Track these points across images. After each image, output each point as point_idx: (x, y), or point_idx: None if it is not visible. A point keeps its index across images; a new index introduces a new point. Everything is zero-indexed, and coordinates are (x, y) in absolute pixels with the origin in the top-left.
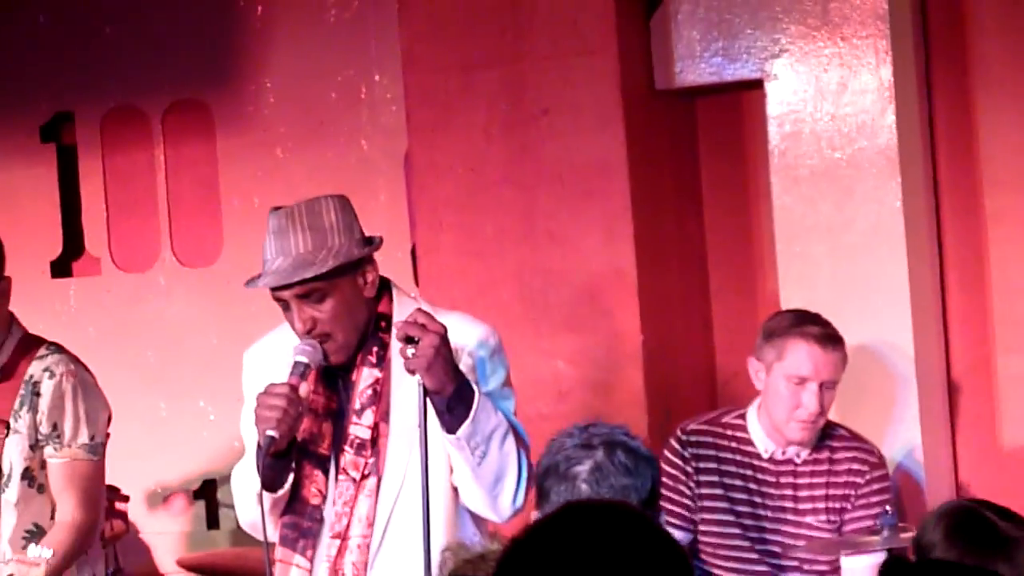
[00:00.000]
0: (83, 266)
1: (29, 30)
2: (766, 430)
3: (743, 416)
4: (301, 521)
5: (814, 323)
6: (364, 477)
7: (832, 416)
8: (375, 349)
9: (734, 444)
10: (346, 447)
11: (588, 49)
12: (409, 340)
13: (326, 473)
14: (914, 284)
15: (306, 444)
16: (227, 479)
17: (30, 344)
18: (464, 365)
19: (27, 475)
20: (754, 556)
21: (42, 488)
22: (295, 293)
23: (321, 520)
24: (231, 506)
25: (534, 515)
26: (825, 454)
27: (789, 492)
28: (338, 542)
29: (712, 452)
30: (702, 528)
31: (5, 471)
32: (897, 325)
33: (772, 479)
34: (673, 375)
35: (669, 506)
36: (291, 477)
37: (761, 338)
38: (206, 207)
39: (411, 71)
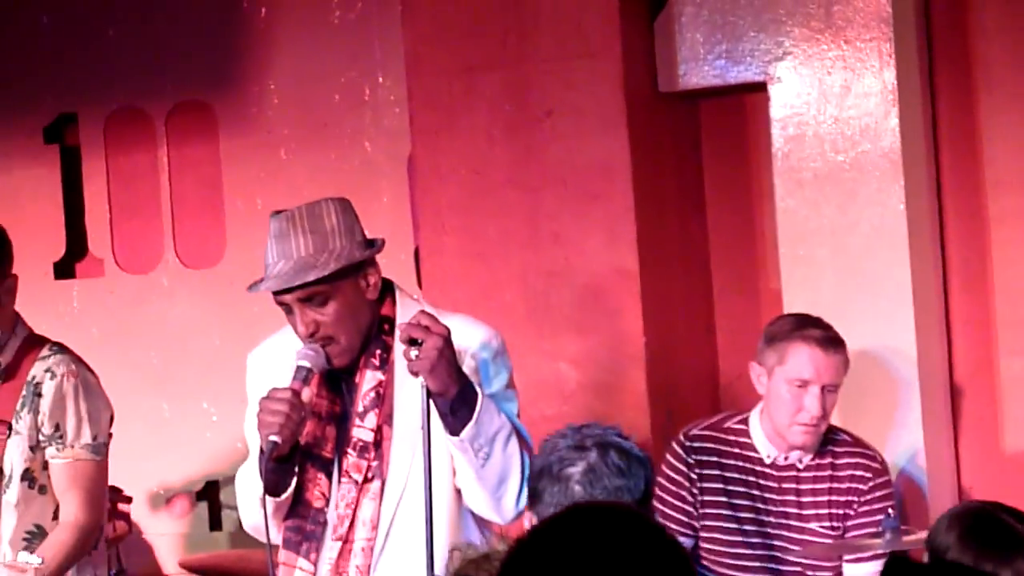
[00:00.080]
0: (86, 267)
1: (32, 31)
2: (768, 435)
3: (746, 421)
4: (304, 524)
5: (815, 326)
6: (367, 480)
7: (834, 419)
8: (378, 352)
9: (736, 449)
10: (349, 450)
11: (592, 51)
12: (413, 342)
13: (329, 476)
14: (917, 286)
15: (309, 447)
16: (230, 480)
17: (34, 344)
18: (467, 367)
19: (27, 476)
20: (756, 562)
21: (44, 489)
22: (297, 297)
23: (324, 523)
24: (234, 507)
25: (528, 515)
26: (828, 459)
27: (792, 497)
28: (341, 544)
29: (715, 458)
30: (704, 534)
31: (6, 472)
32: (900, 327)
33: (775, 484)
34: (676, 377)
35: (670, 511)
36: (294, 481)
37: (763, 342)
38: (209, 208)
39: (414, 73)
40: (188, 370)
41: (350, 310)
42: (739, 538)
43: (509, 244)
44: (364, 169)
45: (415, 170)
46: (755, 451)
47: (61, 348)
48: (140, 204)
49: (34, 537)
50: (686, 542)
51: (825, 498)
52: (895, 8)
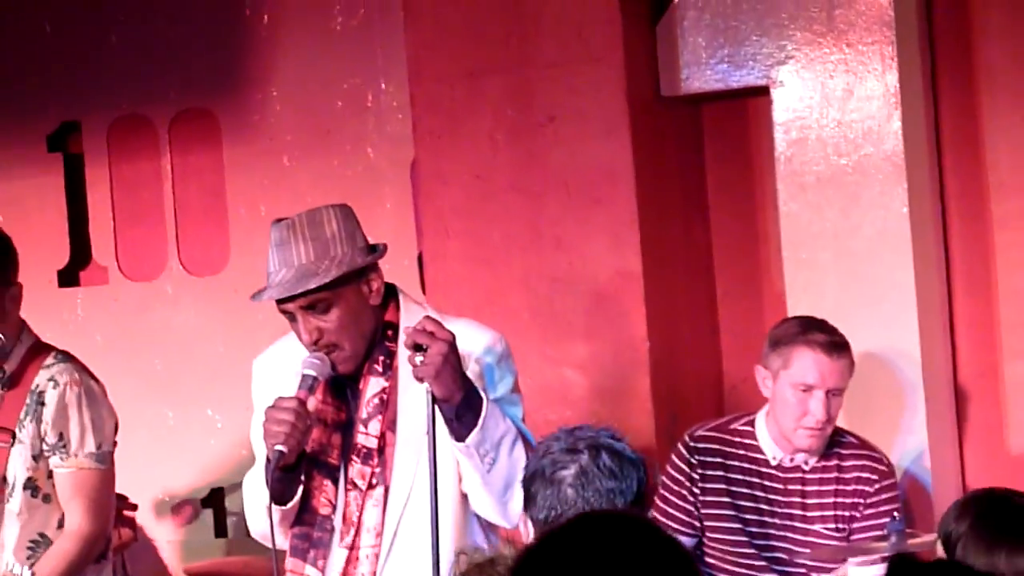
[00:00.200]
0: (90, 275)
1: (36, 39)
2: (774, 437)
3: (752, 423)
4: (311, 531)
5: (820, 330)
6: (371, 487)
7: (839, 422)
8: (381, 358)
9: (742, 451)
10: (354, 457)
11: (594, 56)
12: (417, 348)
13: (336, 483)
14: (920, 290)
15: (316, 454)
16: (235, 487)
17: (39, 352)
18: (472, 372)
19: (30, 485)
20: (761, 563)
21: (48, 498)
22: (300, 304)
23: (331, 530)
24: (238, 514)
25: (524, 519)
26: (834, 461)
27: (797, 499)
28: (347, 552)
29: (719, 459)
30: (708, 535)
31: (9, 481)
32: (904, 331)
33: (780, 486)
34: (680, 380)
35: (671, 510)
36: (300, 489)
37: (767, 346)
38: (213, 216)
39: (417, 79)
40: (192, 377)
41: (353, 316)
42: (743, 539)
43: (512, 249)
44: (367, 175)
45: (418, 175)
46: (761, 453)
47: (66, 356)
48: (144, 212)
49: (38, 546)
50: (686, 541)
51: (831, 500)
52: (897, 11)
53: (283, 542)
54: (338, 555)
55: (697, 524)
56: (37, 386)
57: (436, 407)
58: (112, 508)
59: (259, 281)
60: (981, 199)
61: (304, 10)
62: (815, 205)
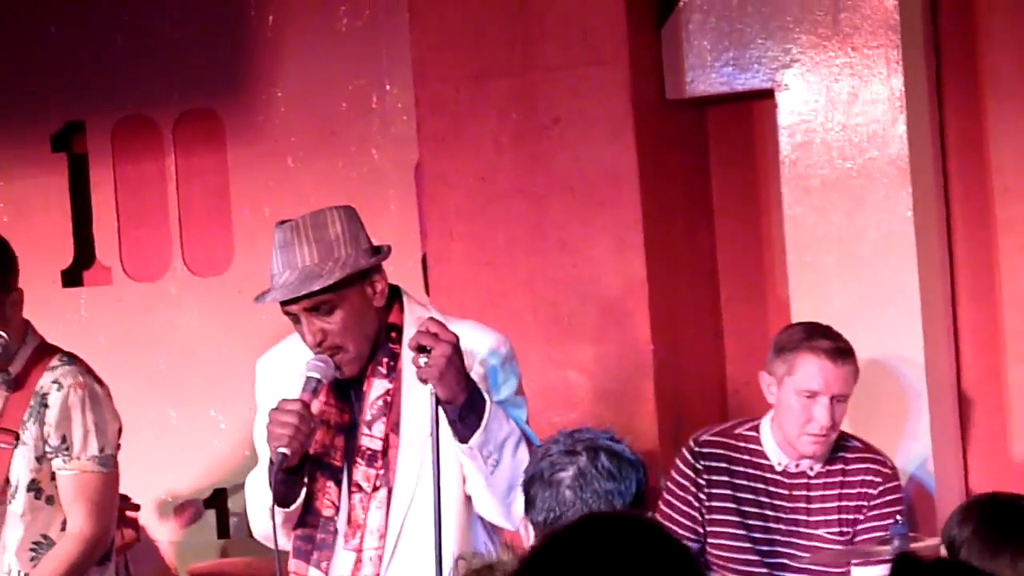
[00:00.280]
0: (94, 275)
1: (40, 40)
2: (779, 443)
3: (757, 428)
4: (315, 533)
5: (824, 337)
6: (375, 489)
7: (843, 427)
8: (385, 360)
9: (746, 456)
10: (358, 459)
11: (599, 59)
12: (421, 349)
13: (339, 485)
14: (924, 294)
15: (319, 456)
16: (237, 488)
17: (44, 354)
18: (475, 373)
19: (33, 487)
20: (764, 569)
21: (51, 500)
22: (304, 306)
23: (334, 532)
24: (241, 515)
25: (524, 523)
26: (839, 466)
27: (802, 505)
28: (352, 554)
29: (724, 464)
30: (712, 540)
31: (12, 482)
32: (907, 335)
33: (785, 491)
34: (684, 384)
35: (676, 515)
36: (303, 492)
37: (772, 352)
38: (217, 217)
39: (422, 81)
40: (196, 378)
41: (357, 318)
42: (747, 544)
43: (516, 251)
44: (371, 177)
45: (422, 177)
46: (766, 458)
47: (72, 359)
48: (148, 212)
49: (40, 548)
50: (690, 546)
51: (835, 504)
52: (902, 15)
53: (286, 543)
54: (344, 557)
55: (701, 530)
56: (41, 388)
57: (440, 409)
58: (115, 511)
59: (263, 282)
60: (986, 203)
61: (309, 11)
62: (819, 209)
